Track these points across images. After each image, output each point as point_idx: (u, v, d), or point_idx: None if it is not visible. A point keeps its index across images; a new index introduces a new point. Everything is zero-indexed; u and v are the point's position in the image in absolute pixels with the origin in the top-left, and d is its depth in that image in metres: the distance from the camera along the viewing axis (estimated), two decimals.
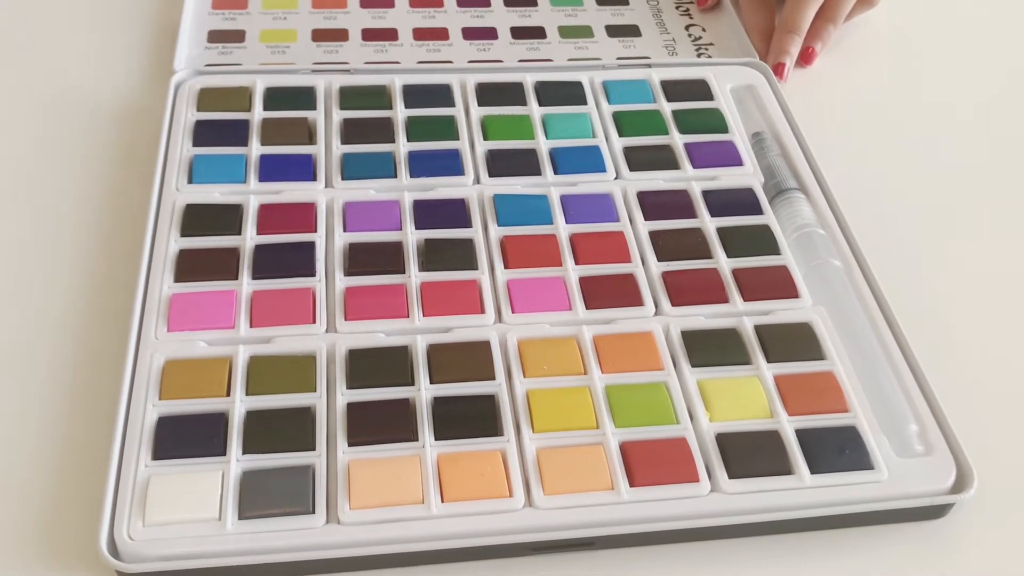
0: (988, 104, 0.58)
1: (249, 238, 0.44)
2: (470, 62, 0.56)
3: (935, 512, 0.38)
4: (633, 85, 0.54)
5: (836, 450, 0.38)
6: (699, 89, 0.54)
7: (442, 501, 0.36)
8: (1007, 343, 0.45)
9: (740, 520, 0.36)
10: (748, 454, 0.38)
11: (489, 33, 0.59)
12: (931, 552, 0.38)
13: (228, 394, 0.38)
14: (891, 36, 0.62)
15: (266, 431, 0.37)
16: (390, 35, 0.58)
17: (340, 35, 0.58)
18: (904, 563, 0.37)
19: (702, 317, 0.43)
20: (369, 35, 0.58)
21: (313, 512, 0.35)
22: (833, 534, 0.38)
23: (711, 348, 0.42)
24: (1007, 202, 0.52)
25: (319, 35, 0.58)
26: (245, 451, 0.37)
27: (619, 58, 0.57)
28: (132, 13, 0.59)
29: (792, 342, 0.42)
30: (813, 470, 0.38)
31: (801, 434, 0.39)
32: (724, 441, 0.38)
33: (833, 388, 0.41)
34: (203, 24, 0.58)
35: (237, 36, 0.57)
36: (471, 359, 0.40)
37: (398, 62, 0.56)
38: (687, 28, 0.61)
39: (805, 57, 0.58)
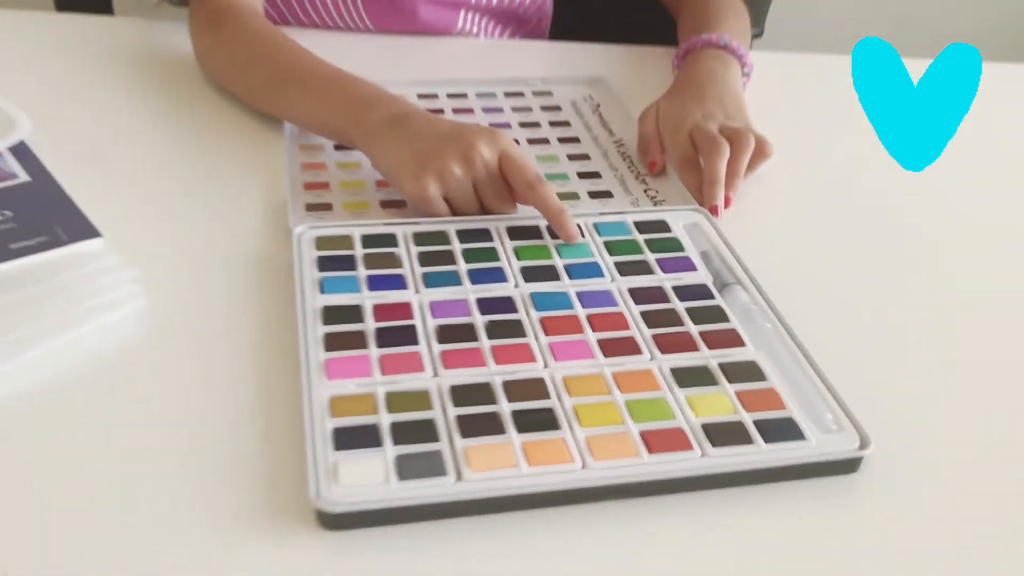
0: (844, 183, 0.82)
1: (370, 325, 0.64)
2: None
3: (849, 466, 0.58)
4: (616, 225, 0.76)
5: (780, 430, 0.58)
6: (661, 226, 0.77)
7: (528, 466, 0.55)
8: (891, 356, 0.67)
9: (721, 470, 0.56)
10: (723, 434, 0.58)
11: None
12: (847, 495, 0.57)
13: (376, 413, 0.57)
14: (796, 180, 0.87)
15: (406, 433, 0.56)
16: None
17: (400, 203, 0.80)
18: (828, 503, 0.57)
19: (682, 360, 0.63)
20: None
21: (446, 475, 0.54)
22: (780, 485, 0.57)
23: (691, 378, 0.62)
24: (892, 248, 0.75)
25: (385, 204, 0.80)
26: (395, 444, 0.55)
27: (601, 213, 0.80)
28: (243, 195, 0.81)
29: (744, 372, 0.63)
30: (766, 441, 0.57)
31: (756, 423, 0.59)
32: (707, 428, 0.58)
33: (773, 397, 0.61)
34: (300, 199, 0.80)
35: (326, 207, 0.79)
36: (532, 389, 0.60)
37: None
38: (645, 191, 0.85)
39: (723, 203, 0.82)
